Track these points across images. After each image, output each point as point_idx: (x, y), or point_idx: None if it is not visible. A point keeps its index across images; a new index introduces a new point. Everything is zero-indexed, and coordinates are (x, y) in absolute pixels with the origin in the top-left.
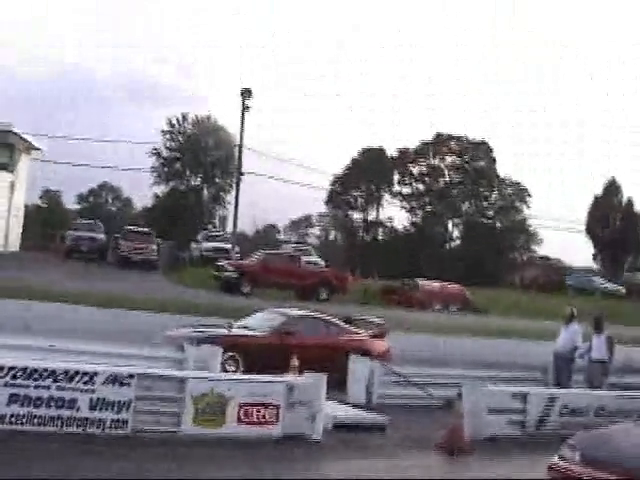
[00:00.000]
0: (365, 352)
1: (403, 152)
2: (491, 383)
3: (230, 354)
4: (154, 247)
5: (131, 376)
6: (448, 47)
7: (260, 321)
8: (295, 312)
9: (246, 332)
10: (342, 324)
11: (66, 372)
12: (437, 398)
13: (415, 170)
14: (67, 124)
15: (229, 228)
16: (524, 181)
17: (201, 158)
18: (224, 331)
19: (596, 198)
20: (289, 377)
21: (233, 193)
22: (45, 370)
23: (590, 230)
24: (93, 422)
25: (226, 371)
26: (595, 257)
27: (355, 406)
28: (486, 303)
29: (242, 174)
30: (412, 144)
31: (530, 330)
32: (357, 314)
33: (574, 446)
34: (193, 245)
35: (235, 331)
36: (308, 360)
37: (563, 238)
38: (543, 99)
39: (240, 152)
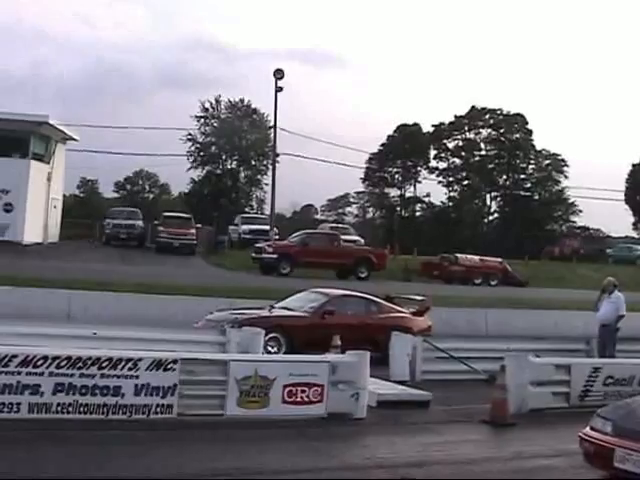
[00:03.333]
0: (406, 329)
1: (438, 127)
2: (534, 355)
3: (272, 335)
4: (193, 232)
5: (175, 361)
6: (481, 18)
7: (301, 301)
8: (336, 291)
9: (287, 313)
10: (383, 302)
11: (110, 359)
12: (480, 372)
13: (451, 145)
14: (102, 113)
15: (267, 210)
16: (561, 152)
17: (236, 141)
18: (265, 312)
19: (634, 166)
20: (332, 356)
21: (269, 175)
22: (89, 358)
23: (629, 198)
24: (138, 408)
25: (268, 352)
26: (635, 225)
27: (398, 383)
28: (526, 275)
29: (278, 155)
30: (447, 119)
31: (571, 301)
32: (398, 292)
33: (605, 417)
34: (231, 228)
35: (276, 312)
36: (350, 339)
37: (602, 208)
38: (579, 68)
39: (275, 133)
